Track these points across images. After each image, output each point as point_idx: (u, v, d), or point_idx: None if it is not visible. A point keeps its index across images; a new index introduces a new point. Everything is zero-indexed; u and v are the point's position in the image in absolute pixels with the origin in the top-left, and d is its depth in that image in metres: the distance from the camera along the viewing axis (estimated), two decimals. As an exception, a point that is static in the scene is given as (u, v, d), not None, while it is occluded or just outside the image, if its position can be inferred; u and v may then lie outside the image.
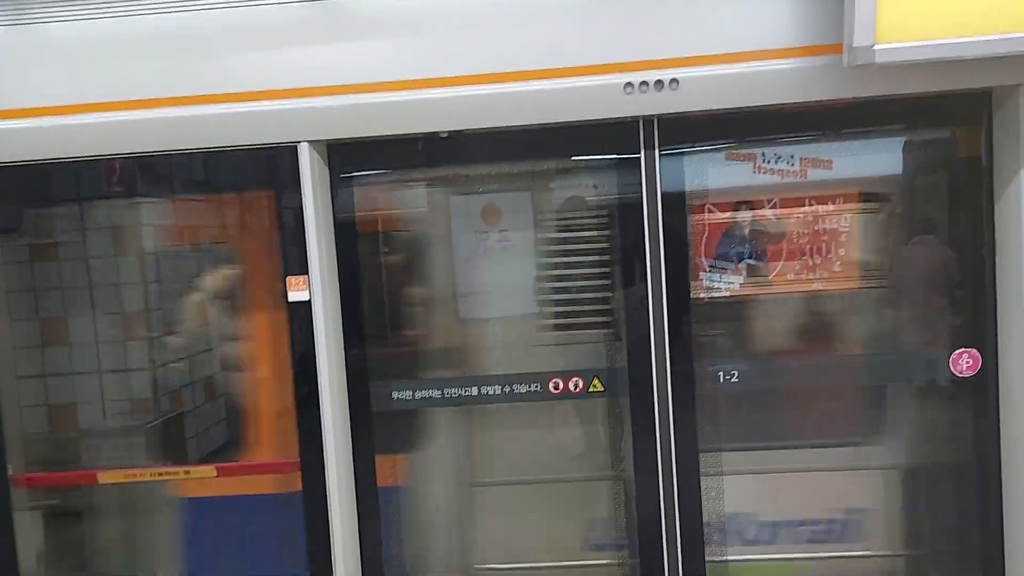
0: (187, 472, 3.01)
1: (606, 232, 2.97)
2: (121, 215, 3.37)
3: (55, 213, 3.33)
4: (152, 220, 3.42)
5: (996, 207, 2.65)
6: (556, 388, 2.89)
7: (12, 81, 2.73)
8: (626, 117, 2.64)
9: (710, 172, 2.82)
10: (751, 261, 2.95)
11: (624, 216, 2.80)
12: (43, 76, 2.73)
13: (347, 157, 2.78)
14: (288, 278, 2.76)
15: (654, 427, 2.78)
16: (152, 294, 3.50)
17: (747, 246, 2.96)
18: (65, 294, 3.35)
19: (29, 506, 3.08)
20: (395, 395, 2.90)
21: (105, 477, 3.04)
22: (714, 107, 2.59)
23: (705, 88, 2.56)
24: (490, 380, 2.95)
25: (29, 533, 3.06)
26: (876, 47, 2.32)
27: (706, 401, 2.82)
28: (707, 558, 2.85)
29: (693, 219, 2.84)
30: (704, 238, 2.91)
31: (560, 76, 2.58)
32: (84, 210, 3.30)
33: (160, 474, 3.04)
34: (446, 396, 2.92)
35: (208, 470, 2.99)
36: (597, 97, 2.59)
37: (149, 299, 3.49)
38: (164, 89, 2.68)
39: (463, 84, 2.60)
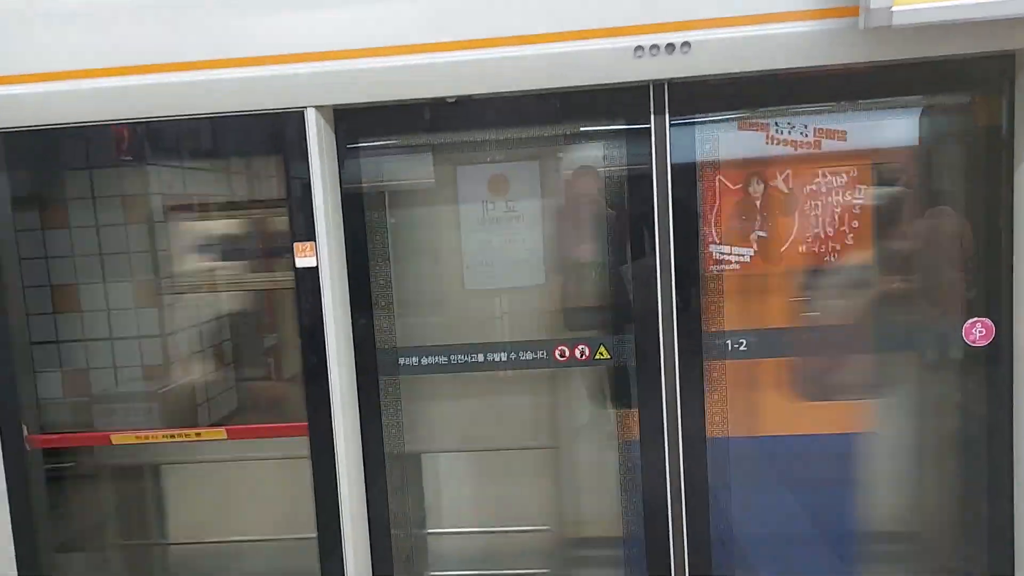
0: (198, 434, 3.03)
1: (614, 202, 2.95)
2: (130, 182, 3.38)
3: (65, 179, 3.33)
4: (161, 187, 3.43)
5: (1016, 176, 2.61)
6: (562, 355, 2.89)
7: (19, 46, 2.72)
8: (636, 81, 2.60)
9: (722, 141, 2.78)
10: (761, 233, 2.91)
11: (633, 185, 2.77)
12: (50, 41, 2.72)
13: (354, 123, 2.77)
14: (295, 244, 2.76)
15: (660, 397, 2.77)
16: (162, 261, 3.52)
17: (758, 218, 2.92)
18: (76, 261, 3.37)
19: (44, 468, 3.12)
20: (401, 361, 2.92)
21: (118, 438, 3.08)
22: (726, 71, 2.55)
23: (717, 51, 2.51)
24: (496, 347, 2.96)
25: (43, 494, 3.10)
26: (894, 8, 2.27)
27: (713, 372, 2.82)
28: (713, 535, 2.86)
29: (703, 189, 2.80)
30: (714, 209, 2.88)
31: (570, 39, 2.55)
32: (93, 177, 3.31)
33: (172, 436, 3.07)
34: (452, 362, 2.93)
35: (219, 432, 3.02)
36: (607, 61, 2.55)
37: (159, 266, 3.50)
38: (171, 54, 2.67)
39: (471, 48, 2.57)
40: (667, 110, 2.66)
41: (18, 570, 2.97)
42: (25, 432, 2.94)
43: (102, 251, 3.38)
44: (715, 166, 2.81)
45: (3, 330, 2.89)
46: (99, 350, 3.42)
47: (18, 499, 2.95)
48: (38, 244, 3.32)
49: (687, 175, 2.72)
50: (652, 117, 2.67)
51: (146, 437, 3.09)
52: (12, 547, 2.95)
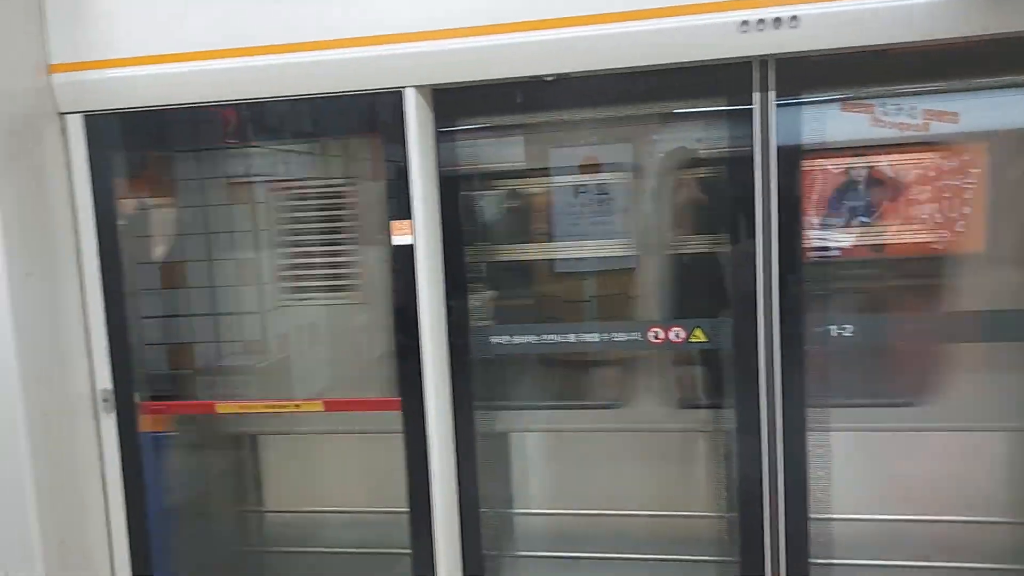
0: (296, 406, 3.12)
1: (712, 184, 2.90)
2: (234, 163, 3.49)
3: (173, 160, 3.46)
4: (262, 169, 3.54)
5: None
6: (656, 338, 2.85)
7: (132, 30, 2.83)
8: (740, 58, 2.53)
9: (827, 122, 2.67)
10: (865, 219, 2.82)
11: (732, 167, 2.70)
12: (161, 25, 2.81)
13: (451, 103, 2.79)
14: (392, 222, 2.81)
15: (758, 385, 2.71)
16: (262, 241, 3.63)
17: (862, 203, 2.83)
18: (184, 240, 3.51)
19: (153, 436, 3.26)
20: (493, 340, 2.93)
21: (222, 407, 3.21)
22: (836, 46, 2.45)
23: (827, 25, 2.42)
24: (588, 328, 2.94)
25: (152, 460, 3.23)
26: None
27: (814, 359, 2.73)
28: (810, 515, 2.78)
29: (806, 173, 2.70)
30: (816, 194, 2.80)
31: (673, 15, 2.49)
32: (201, 157, 3.44)
33: (272, 406, 3.17)
34: (543, 342, 2.92)
35: (316, 404, 3.10)
36: (711, 36, 2.49)
37: (259, 246, 3.62)
38: (275, 36, 2.73)
39: (572, 25, 2.55)
40: (772, 88, 2.58)
41: (128, 532, 3.12)
42: (137, 400, 3.09)
43: (208, 230, 3.51)
44: (818, 148, 2.71)
45: (119, 305, 3.03)
46: (203, 325, 3.55)
47: (130, 463, 3.09)
48: (148, 223, 3.46)
49: (791, 157, 2.63)
50: (756, 96, 2.59)
51: (248, 407, 3.22)
52: (124, 509, 3.11)
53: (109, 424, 3.06)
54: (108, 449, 3.08)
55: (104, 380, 3.04)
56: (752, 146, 2.61)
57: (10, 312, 2.69)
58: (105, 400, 3.04)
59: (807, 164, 2.69)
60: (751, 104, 2.60)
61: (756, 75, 2.57)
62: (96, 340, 3.03)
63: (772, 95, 2.58)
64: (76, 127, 2.92)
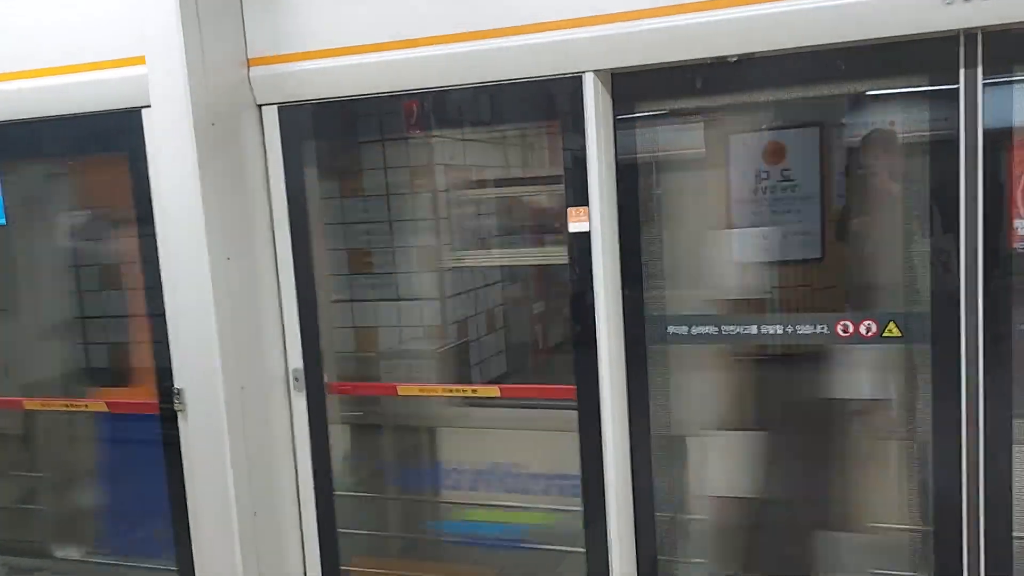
0: (474, 390, 3.18)
1: (907, 171, 2.68)
2: (416, 153, 3.58)
3: (359, 150, 3.60)
4: (443, 159, 3.62)
5: None
6: (845, 331, 2.66)
7: (323, 23, 2.93)
8: (945, 31, 2.33)
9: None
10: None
11: (933, 153, 2.50)
12: (346, 17, 2.90)
13: (629, 87, 2.73)
14: (569, 208, 2.79)
15: (959, 387, 2.50)
16: (443, 229, 3.72)
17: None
18: (370, 228, 3.65)
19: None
20: (671, 330, 2.85)
21: (404, 390, 3.31)
22: None
23: None
24: (771, 320, 2.81)
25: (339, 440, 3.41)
26: None
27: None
28: (1015, 533, 2.54)
29: (1013, 158, 2.45)
30: (1022, 181, 2.53)
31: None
32: (385, 147, 3.54)
33: (451, 390, 3.25)
34: (723, 334, 2.81)
35: (492, 389, 3.14)
36: (913, 7, 2.30)
37: (440, 234, 3.71)
38: (456, 25, 2.76)
39: (758, 2, 2.43)
40: (980, 64, 2.35)
41: (316, 505, 3.29)
42: (325, 380, 3.24)
43: (391, 218, 3.63)
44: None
45: (310, 288, 3.19)
46: (386, 310, 3.68)
47: (317, 439, 3.25)
48: (338, 211, 3.63)
49: (1001, 141, 2.40)
50: (962, 73, 2.37)
51: (429, 391, 3.31)
52: (313, 486, 3.27)
53: (300, 402, 3.23)
54: (299, 427, 3.25)
55: (296, 360, 3.21)
56: (957, 129, 2.40)
57: (211, 293, 2.90)
58: (296, 380, 3.22)
59: (1016, 147, 2.44)
60: (956, 83, 2.39)
61: (962, 50, 2.36)
62: (289, 322, 3.20)
63: (979, 72, 2.36)
64: (271, 118, 3.09)
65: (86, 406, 3.50)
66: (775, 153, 2.98)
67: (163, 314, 3.10)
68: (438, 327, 3.70)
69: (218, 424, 2.96)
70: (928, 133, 2.51)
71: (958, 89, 2.39)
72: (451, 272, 3.71)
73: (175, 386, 3.08)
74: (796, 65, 2.53)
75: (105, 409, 3.46)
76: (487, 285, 3.86)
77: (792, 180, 2.96)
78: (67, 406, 3.57)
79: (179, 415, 3.10)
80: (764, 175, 2.98)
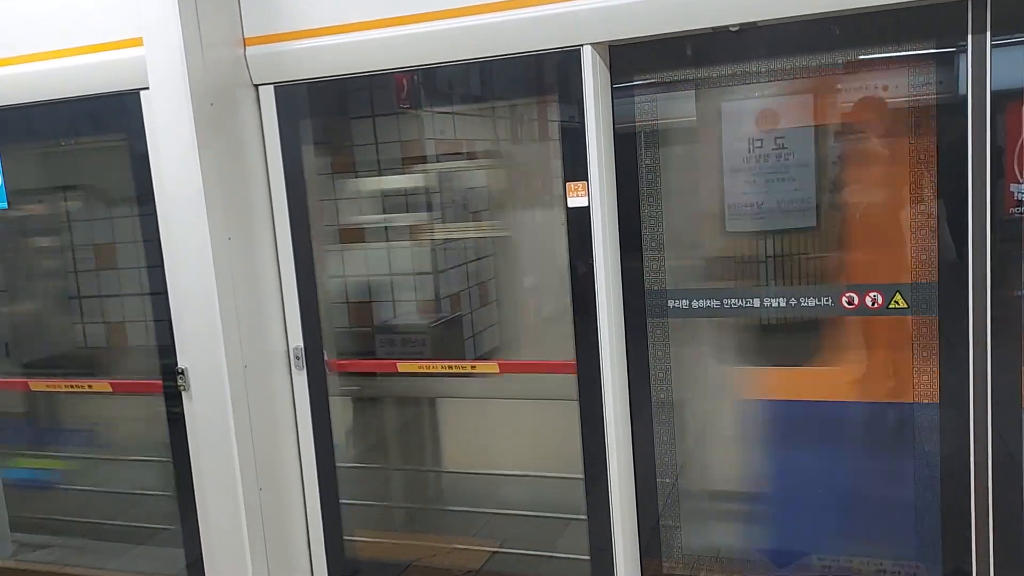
0: (473, 367, 3.20)
1: (908, 136, 2.70)
2: (406, 128, 3.56)
3: (350, 126, 3.56)
4: (434, 133, 3.60)
5: None
6: (850, 303, 2.69)
7: (314, 1, 2.91)
8: None
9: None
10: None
11: (939, 117, 2.51)
12: None
13: (626, 59, 2.74)
14: (567, 184, 2.80)
15: (967, 353, 2.53)
16: (434, 204, 3.72)
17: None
18: (361, 203, 3.64)
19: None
20: (671, 303, 2.88)
21: (404, 367, 3.34)
22: None
23: None
24: (774, 292, 2.83)
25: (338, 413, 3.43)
26: None
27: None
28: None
29: (1010, 122, 2.46)
30: (1019, 146, 2.57)
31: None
32: (378, 123, 3.52)
33: (451, 367, 3.27)
34: (725, 307, 2.84)
35: (492, 365, 3.17)
36: None
37: (431, 209, 3.71)
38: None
39: None
40: (988, 27, 2.36)
41: (318, 478, 3.32)
42: (325, 356, 3.26)
43: (383, 194, 3.62)
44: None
45: (309, 266, 3.19)
46: (378, 285, 3.69)
47: (319, 414, 3.28)
48: (330, 187, 3.61)
49: (1009, 104, 2.41)
50: (969, 36, 2.38)
51: (427, 367, 3.33)
52: (315, 460, 3.30)
53: (301, 380, 3.25)
54: (300, 403, 3.27)
55: (296, 338, 3.23)
56: (965, 92, 2.42)
57: (214, 273, 2.90)
58: (297, 358, 3.23)
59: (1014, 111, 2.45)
60: (964, 46, 2.40)
61: (970, 11, 2.37)
62: (288, 300, 3.21)
63: (988, 35, 2.37)
64: (268, 97, 3.07)
65: (89, 387, 3.51)
66: (769, 120, 2.98)
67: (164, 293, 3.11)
68: (430, 302, 3.71)
69: (222, 403, 2.98)
70: (935, 96, 2.51)
71: (965, 51, 2.40)
72: (443, 246, 3.71)
73: (179, 366, 3.09)
74: (801, 32, 2.54)
75: (109, 390, 3.47)
76: (480, 258, 3.86)
77: (786, 148, 2.97)
78: (71, 388, 3.58)
79: (183, 394, 3.11)
80: (758, 143, 2.99)
